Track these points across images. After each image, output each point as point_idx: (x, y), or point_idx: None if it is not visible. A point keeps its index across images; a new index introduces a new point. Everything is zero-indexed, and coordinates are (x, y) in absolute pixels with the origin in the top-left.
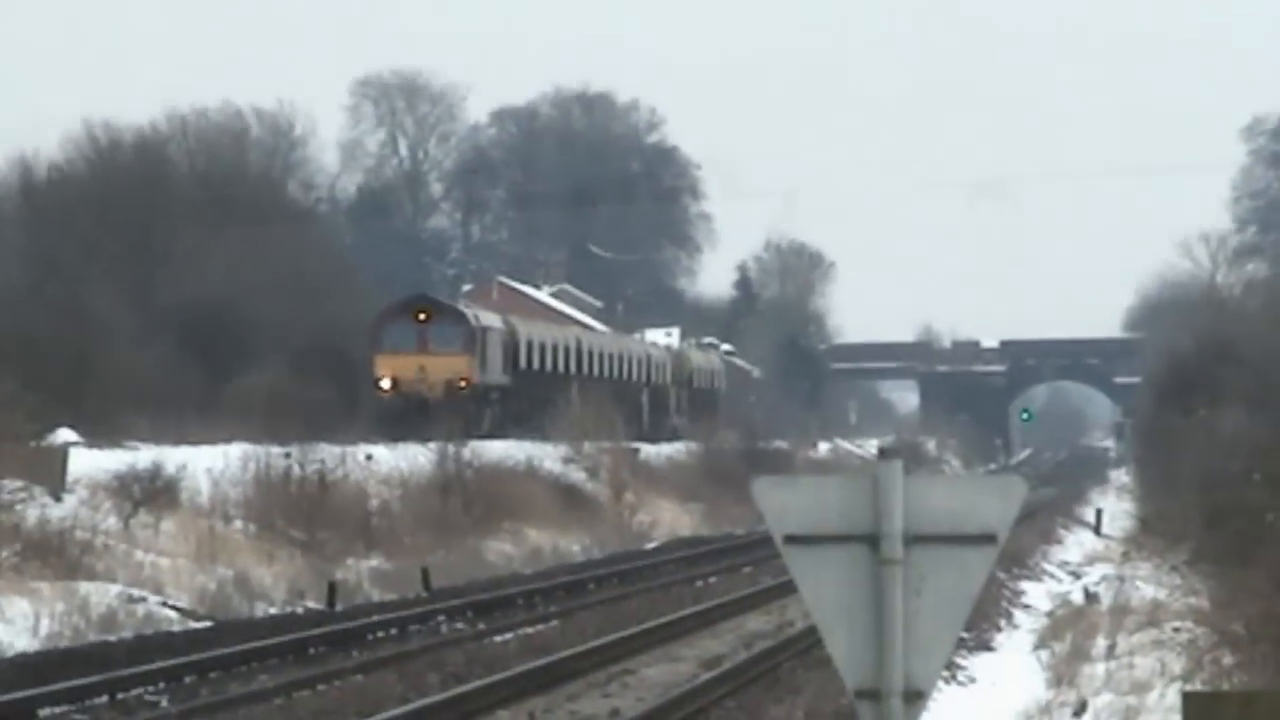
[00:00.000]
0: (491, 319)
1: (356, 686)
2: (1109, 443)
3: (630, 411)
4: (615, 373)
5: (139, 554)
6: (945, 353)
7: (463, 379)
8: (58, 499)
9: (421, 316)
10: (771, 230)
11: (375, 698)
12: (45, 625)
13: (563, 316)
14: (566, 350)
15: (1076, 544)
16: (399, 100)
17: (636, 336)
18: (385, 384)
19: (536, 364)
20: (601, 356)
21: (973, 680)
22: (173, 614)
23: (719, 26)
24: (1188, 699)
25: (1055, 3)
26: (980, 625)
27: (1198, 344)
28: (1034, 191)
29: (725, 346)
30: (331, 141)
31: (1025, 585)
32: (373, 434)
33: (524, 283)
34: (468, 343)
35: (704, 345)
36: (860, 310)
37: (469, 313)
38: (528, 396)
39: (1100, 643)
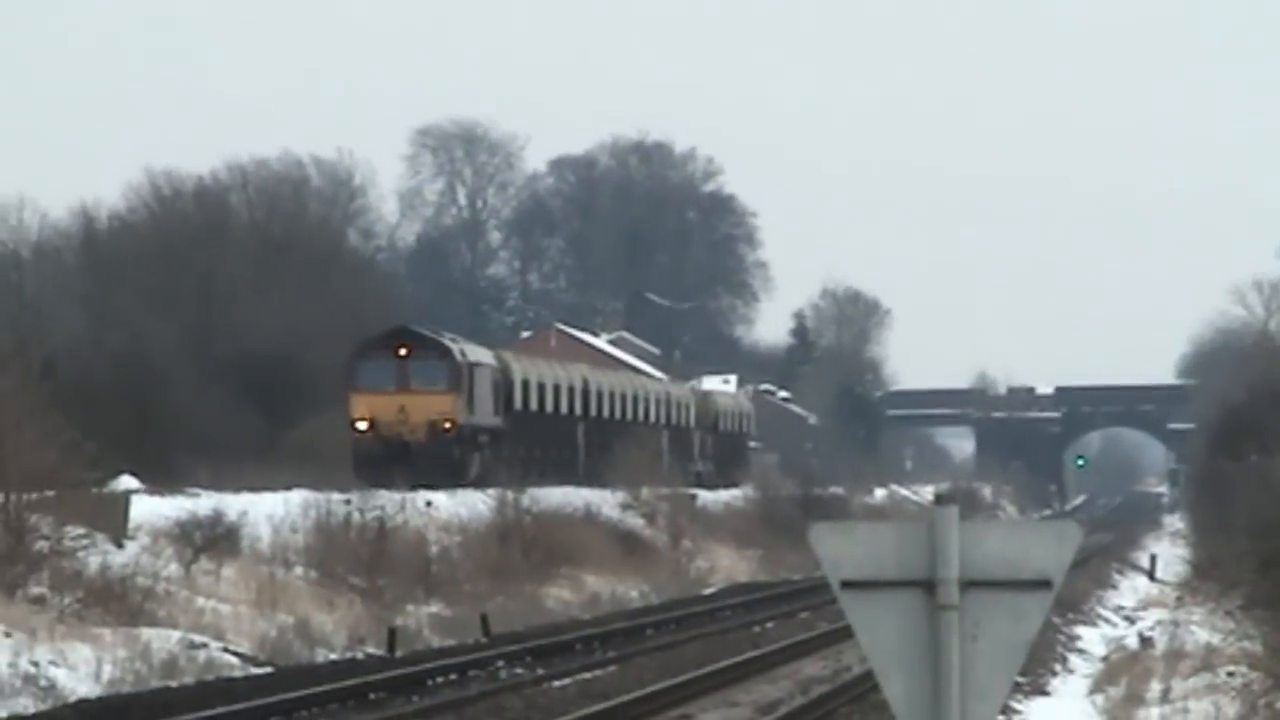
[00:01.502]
0: (481, 354)
1: None
2: (1162, 488)
3: (649, 456)
4: (629, 415)
5: (200, 600)
6: (1000, 399)
7: (447, 420)
8: (119, 545)
9: (402, 351)
10: (828, 278)
11: None
12: (107, 671)
13: (620, 364)
14: (571, 390)
15: (1131, 589)
16: (458, 149)
17: (659, 377)
18: (362, 425)
19: (535, 405)
20: (612, 397)
21: None
22: (234, 660)
23: (776, 75)
24: None
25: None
26: (1035, 670)
27: (1250, 391)
28: (1089, 237)
29: (782, 393)
30: (391, 191)
31: (1080, 630)
32: (350, 481)
33: (582, 330)
34: (453, 380)
35: (723, 387)
36: (916, 357)
37: (454, 347)
38: (524, 441)
39: (1155, 687)
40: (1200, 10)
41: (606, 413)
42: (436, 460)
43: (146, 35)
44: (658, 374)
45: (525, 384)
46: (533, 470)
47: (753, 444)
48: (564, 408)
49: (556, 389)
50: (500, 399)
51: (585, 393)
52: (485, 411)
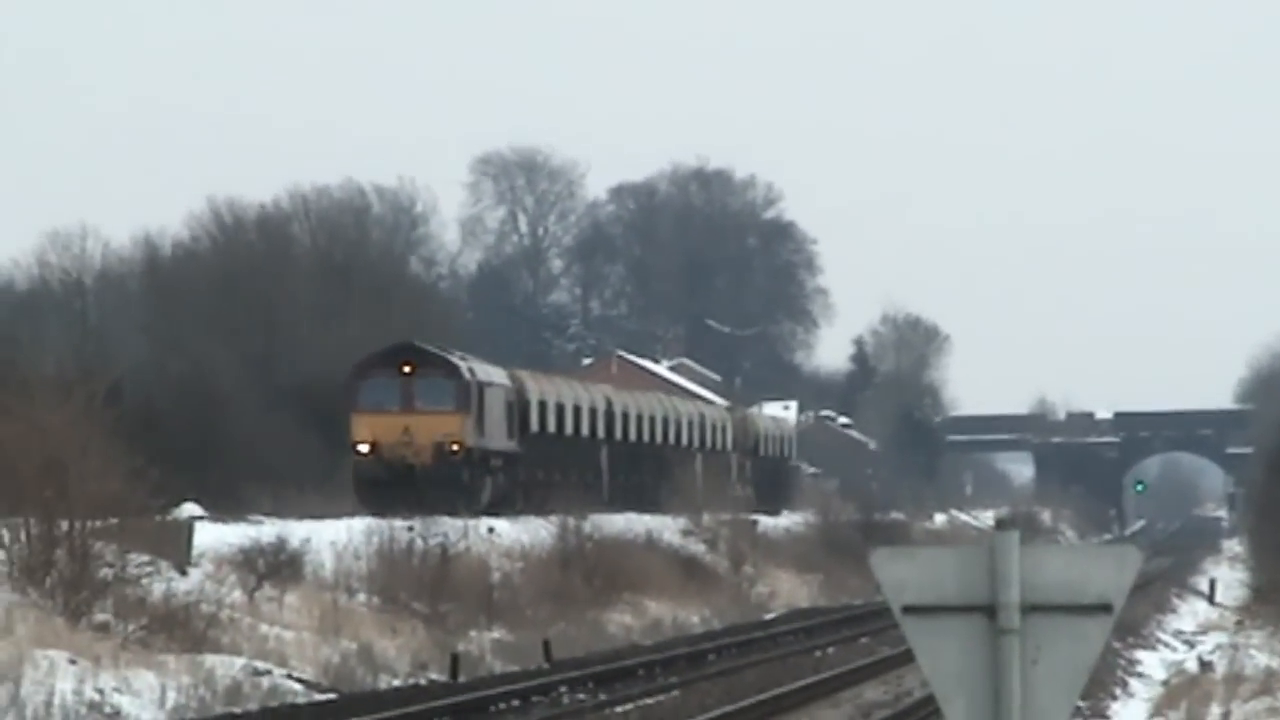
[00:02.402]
0: (493, 373)
1: None
2: (1221, 513)
3: (681, 480)
4: (658, 437)
5: (264, 627)
6: (1059, 424)
7: (455, 442)
8: (183, 572)
9: (406, 369)
10: (887, 303)
11: None
12: (171, 698)
13: (681, 390)
14: (593, 412)
15: (1190, 613)
16: (519, 177)
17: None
18: (363, 448)
19: (553, 427)
20: (639, 420)
21: None
22: (297, 686)
23: (836, 102)
24: None
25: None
26: (1096, 694)
27: None
28: (1148, 263)
29: (842, 419)
30: (452, 218)
31: (1140, 654)
32: (353, 506)
33: (643, 357)
34: (461, 400)
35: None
36: (975, 382)
37: (462, 364)
38: (542, 465)
39: (1215, 711)
40: (1251, 50)
41: (633, 435)
42: (443, 485)
43: (207, 64)
44: (718, 400)
45: (542, 405)
46: (551, 496)
47: (812, 470)
48: (585, 430)
49: (577, 410)
50: (515, 420)
51: (609, 414)
52: (498, 434)
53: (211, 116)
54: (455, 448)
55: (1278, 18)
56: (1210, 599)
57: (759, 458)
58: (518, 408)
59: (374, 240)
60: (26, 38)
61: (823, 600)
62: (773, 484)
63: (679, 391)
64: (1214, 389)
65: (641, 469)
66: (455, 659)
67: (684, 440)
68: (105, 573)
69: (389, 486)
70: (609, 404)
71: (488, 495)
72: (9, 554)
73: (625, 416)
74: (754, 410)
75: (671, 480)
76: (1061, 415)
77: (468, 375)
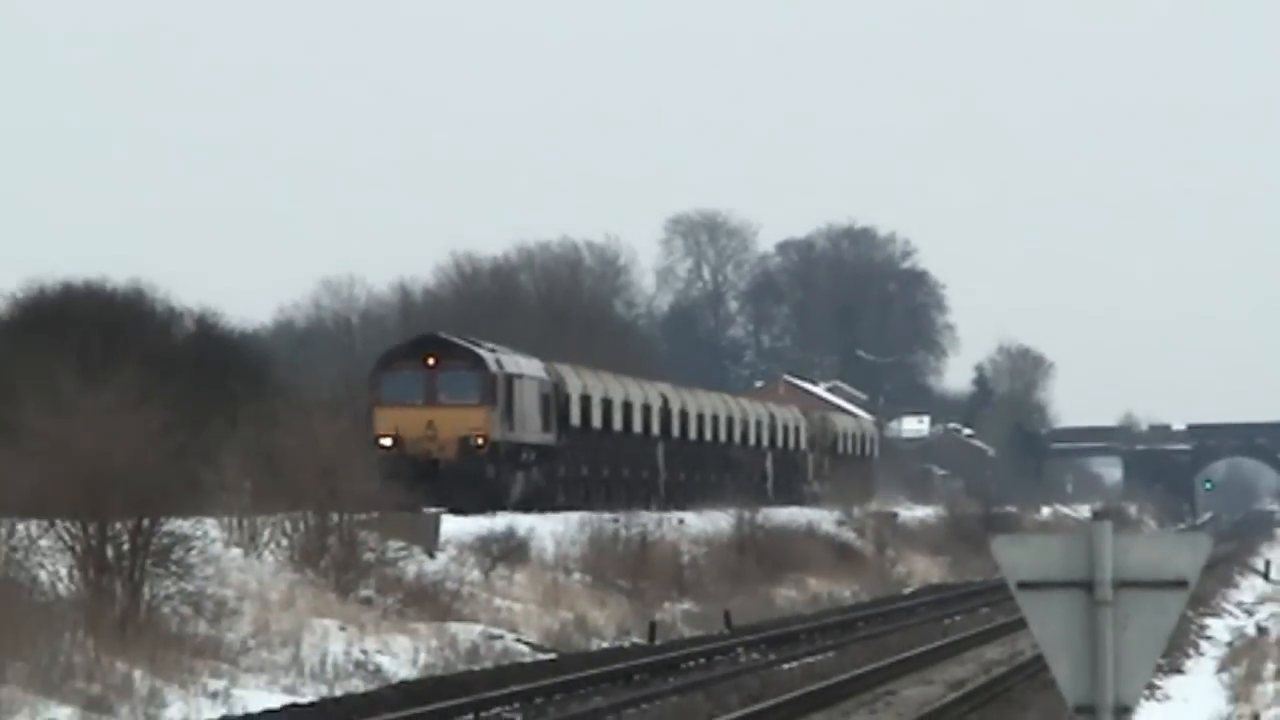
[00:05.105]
0: (526, 365)
1: (672, 706)
2: (1275, 506)
3: (752, 475)
4: (721, 436)
5: (497, 600)
6: (1143, 434)
7: (480, 436)
8: (431, 556)
9: (430, 361)
10: (1003, 335)
11: (688, 715)
12: (422, 658)
13: (836, 408)
14: (647, 409)
15: (1250, 588)
16: (703, 234)
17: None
18: (386, 442)
19: (598, 422)
20: (700, 419)
21: (1168, 698)
22: (524, 648)
23: (967, 169)
24: None
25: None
26: (1174, 653)
27: None
28: (1220, 293)
29: (966, 431)
30: (649, 268)
31: (1209, 621)
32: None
33: (804, 380)
34: (487, 392)
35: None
36: (1075, 398)
37: (489, 356)
38: (589, 460)
39: (1270, 667)
40: None
41: (693, 433)
42: (468, 480)
43: (449, 134)
44: (866, 415)
45: (586, 399)
46: (598, 492)
47: (941, 471)
48: (637, 426)
49: (627, 406)
50: (552, 414)
51: (665, 412)
52: (531, 427)
53: (453, 178)
54: (480, 441)
55: None
56: (1266, 576)
57: (837, 455)
58: (555, 401)
59: (585, 286)
60: (298, 116)
61: (951, 578)
62: (851, 479)
63: (834, 409)
64: (1273, 401)
65: (705, 466)
66: (653, 626)
67: (751, 440)
68: (368, 556)
69: (412, 481)
70: (665, 401)
71: (519, 489)
72: (291, 541)
73: (684, 415)
74: (831, 412)
75: (736, 478)
76: (1144, 426)
77: (494, 367)
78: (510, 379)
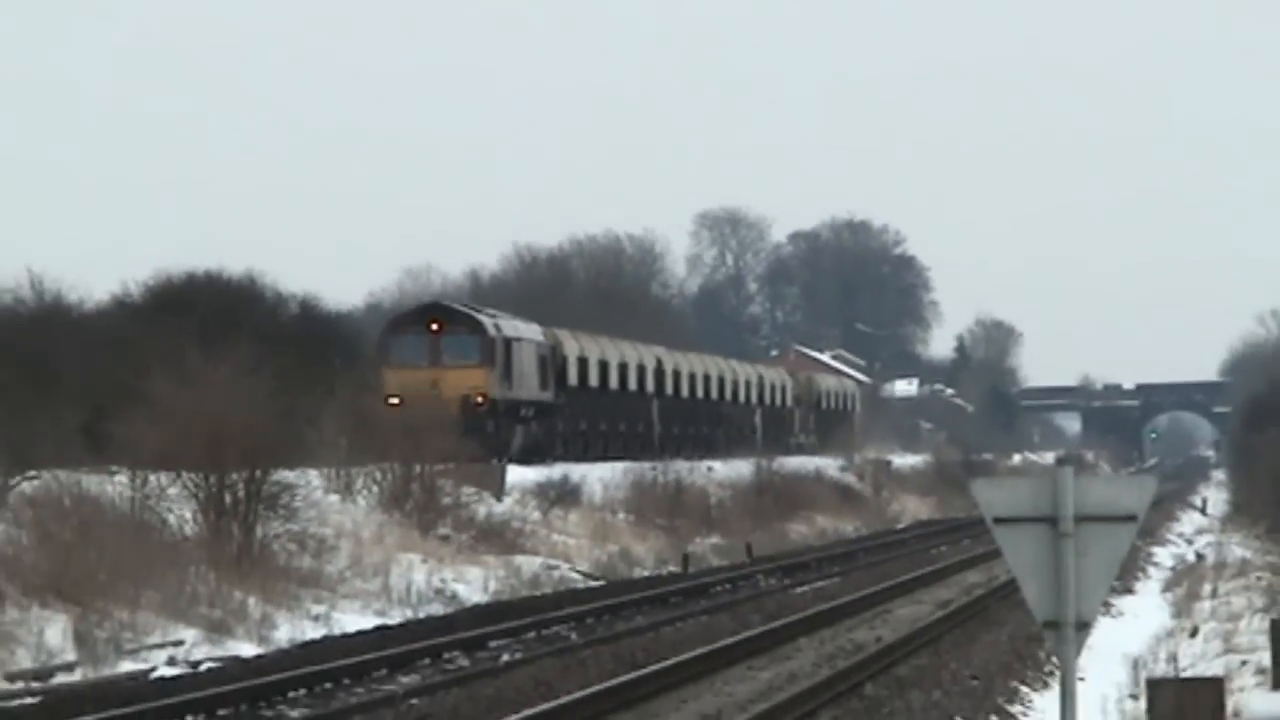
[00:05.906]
0: (524, 329)
1: (702, 624)
2: (1210, 453)
3: (743, 429)
4: (713, 394)
5: (554, 536)
6: (1098, 392)
7: (480, 394)
8: (499, 500)
9: (434, 327)
10: (979, 309)
11: (716, 631)
12: (491, 585)
13: (839, 372)
14: (641, 369)
15: (1189, 521)
16: (726, 227)
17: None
18: (394, 401)
19: (595, 381)
20: (693, 378)
21: (1121, 614)
22: (577, 576)
23: (958, 165)
24: (1274, 625)
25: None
26: (1125, 577)
27: (1269, 384)
28: (1167, 275)
29: (949, 391)
30: (680, 256)
31: (1155, 549)
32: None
33: (812, 349)
34: (486, 354)
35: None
36: (1040, 362)
37: (488, 321)
38: (586, 415)
39: (1207, 587)
40: None
41: (685, 392)
42: (470, 434)
43: (513, 142)
44: (865, 379)
45: (582, 360)
46: (595, 444)
47: (928, 425)
48: (632, 384)
49: (623, 366)
50: (550, 374)
51: (659, 372)
52: (529, 386)
53: (517, 176)
54: (480, 400)
55: None
56: (1202, 511)
57: (821, 410)
58: (553, 362)
59: (626, 272)
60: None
61: (937, 515)
62: (834, 431)
63: (838, 373)
64: (1206, 363)
65: (698, 421)
66: (686, 557)
67: (741, 397)
68: (446, 500)
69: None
70: (659, 363)
71: (519, 442)
72: (380, 488)
73: (677, 374)
74: (817, 374)
75: (727, 431)
76: (1099, 386)
77: (493, 331)
78: (509, 342)
